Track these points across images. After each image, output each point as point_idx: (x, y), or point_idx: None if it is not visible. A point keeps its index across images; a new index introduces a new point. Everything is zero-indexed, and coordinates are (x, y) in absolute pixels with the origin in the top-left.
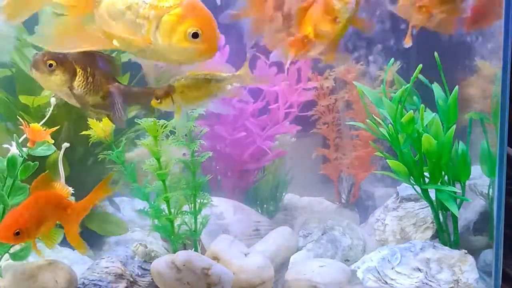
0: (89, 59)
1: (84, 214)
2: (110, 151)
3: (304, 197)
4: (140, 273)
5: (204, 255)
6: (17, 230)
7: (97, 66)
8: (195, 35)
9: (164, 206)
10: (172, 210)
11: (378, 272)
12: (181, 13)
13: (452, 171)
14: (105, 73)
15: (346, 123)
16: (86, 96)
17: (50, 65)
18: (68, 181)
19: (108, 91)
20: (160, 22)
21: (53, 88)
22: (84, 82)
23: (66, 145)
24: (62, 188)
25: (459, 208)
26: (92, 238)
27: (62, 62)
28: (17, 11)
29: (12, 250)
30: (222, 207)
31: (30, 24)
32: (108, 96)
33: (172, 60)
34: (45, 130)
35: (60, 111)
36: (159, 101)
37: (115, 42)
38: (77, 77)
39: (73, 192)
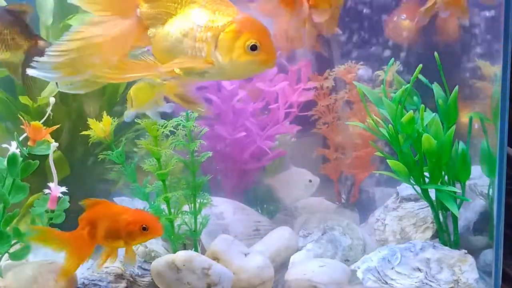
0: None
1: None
2: (110, 151)
3: None
4: (140, 273)
5: (204, 255)
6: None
7: (9, 22)
8: (253, 48)
9: (164, 206)
10: (172, 210)
11: (378, 272)
12: (236, 28)
13: (452, 171)
14: (21, 31)
15: (346, 123)
16: None
17: None
18: (68, 181)
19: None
20: (218, 41)
21: None
22: None
23: (55, 144)
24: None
25: (459, 208)
26: None
27: None
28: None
29: (11, 250)
30: (222, 207)
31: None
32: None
33: (235, 76)
34: (45, 129)
35: (60, 111)
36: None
37: (176, 70)
38: None
39: (67, 191)
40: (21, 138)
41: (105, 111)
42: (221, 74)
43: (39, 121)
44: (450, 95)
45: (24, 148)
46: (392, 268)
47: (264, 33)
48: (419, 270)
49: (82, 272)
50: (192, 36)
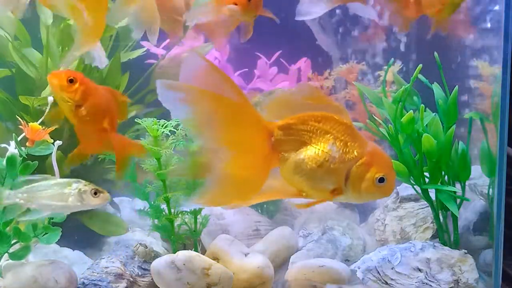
0: None
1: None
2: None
3: None
4: (140, 273)
5: (204, 255)
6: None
7: None
8: (381, 180)
9: (164, 206)
10: (172, 210)
11: (378, 272)
12: (367, 161)
13: (452, 171)
14: None
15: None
16: None
17: None
18: None
19: None
20: (350, 174)
21: None
22: None
23: (58, 142)
24: None
25: (459, 208)
26: (92, 238)
27: None
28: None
29: (11, 250)
30: (222, 207)
31: (31, 28)
32: None
33: (356, 201)
34: (44, 129)
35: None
36: None
37: (304, 194)
38: None
39: None
40: (20, 138)
41: None
42: (344, 199)
43: (38, 122)
44: None
45: (23, 149)
46: (392, 268)
47: (391, 166)
48: (419, 270)
49: (82, 272)
50: (326, 168)
